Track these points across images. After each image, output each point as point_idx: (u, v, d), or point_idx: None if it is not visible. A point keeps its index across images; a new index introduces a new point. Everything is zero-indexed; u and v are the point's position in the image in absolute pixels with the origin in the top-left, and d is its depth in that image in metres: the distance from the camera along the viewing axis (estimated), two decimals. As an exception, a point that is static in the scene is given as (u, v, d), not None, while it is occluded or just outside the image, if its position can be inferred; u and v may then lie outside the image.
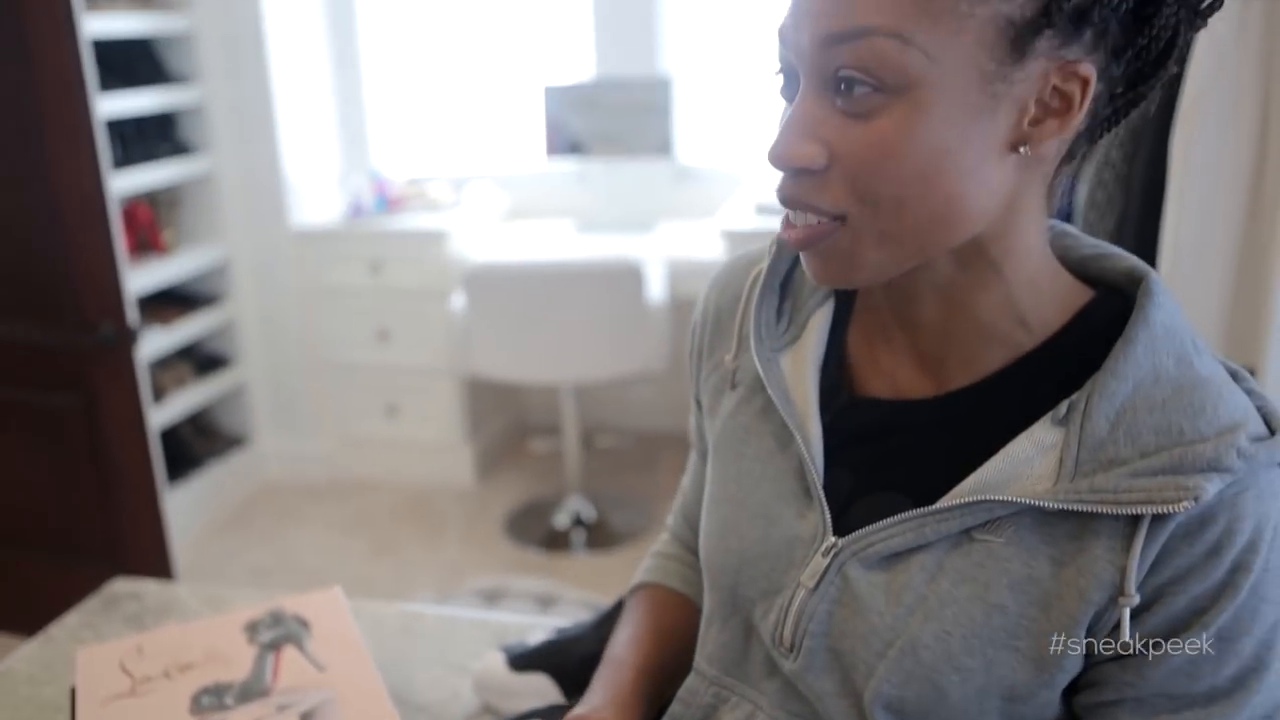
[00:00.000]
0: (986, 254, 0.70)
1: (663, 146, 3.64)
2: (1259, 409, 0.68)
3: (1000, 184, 0.66)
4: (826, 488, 0.76)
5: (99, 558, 2.54)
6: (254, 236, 3.66)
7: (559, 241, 3.60)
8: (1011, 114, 0.64)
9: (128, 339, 2.36)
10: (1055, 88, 0.64)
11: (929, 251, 0.68)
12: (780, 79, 0.69)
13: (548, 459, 3.93)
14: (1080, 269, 0.75)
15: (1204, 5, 0.67)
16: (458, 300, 3.30)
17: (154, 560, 2.50)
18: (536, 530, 3.47)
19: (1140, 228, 1.76)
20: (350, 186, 3.72)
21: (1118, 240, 1.83)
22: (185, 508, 3.41)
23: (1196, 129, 1.56)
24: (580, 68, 3.83)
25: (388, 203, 3.72)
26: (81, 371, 2.42)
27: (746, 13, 3.70)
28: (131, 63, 3.30)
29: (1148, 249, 1.71)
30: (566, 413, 3.41)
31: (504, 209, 3.94)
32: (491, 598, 3.05)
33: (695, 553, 1.00)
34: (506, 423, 4.09)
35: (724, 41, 3.76)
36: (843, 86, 0.64)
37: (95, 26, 2.94)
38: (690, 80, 3.77)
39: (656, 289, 3.20)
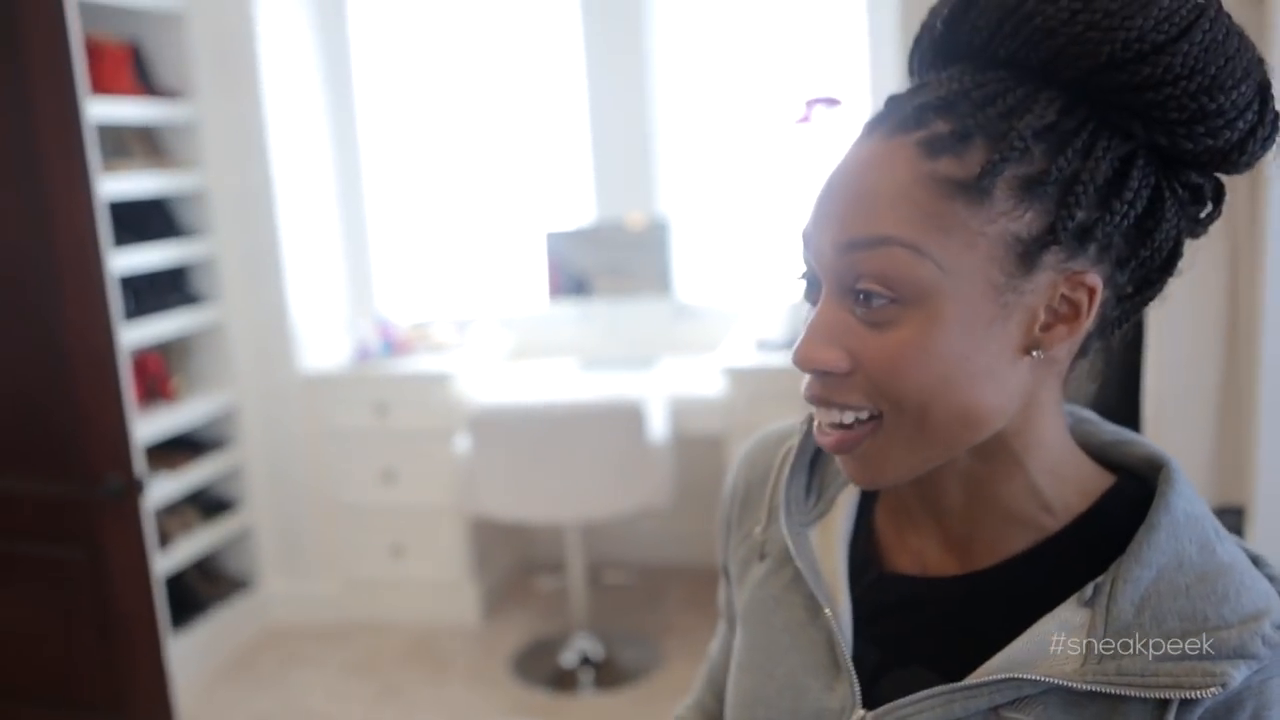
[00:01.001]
0: (1008, 447, 0.72)
1: (662, 285, 3.73)
2: None
3: (1017, 385, 0.69)
4: (855, 661, 0.77)
5: (101, 709, 2.53)
6: (261, 382, 3.72)
7: (562, 380, 3.65)
8: (1023, 321, 0.67)
9: (135, 490, 2.39)
10: (1064, 296, 0.67)
11: (954, 450, 0.71)
12: (804, 282, 0.73)
13: (554, 596, 3.91)
14: (1101, 454, 0.78)
15: (1203, 216, 0.70)
16: (462, 441, 3.33)
17: (156, 712, 2.48)
18: (544, 669, 3.44)
19: (1124, 369, 1.80)
20: (356, 331, 3.80)
21: (1105, 381, 1.87)
22: (189, 653, 3.39)
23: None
24: (581, 211, 3.94)
25: (393, 346, 3.79)
26: (88, 523, 2.44)
27: (739, 155, 3.83)
28: (145, 218, 3.41)
29: (1133, 390, 1.75)
30: (572, 550, 3.41)
31: (508, 349, 4.01)
32: (497, 743, 3.01)
33: None
34: (512, 560, 4.09)
35: (718, 183, 3.88)
36: (861, 297, 0.67)
37: (111, 187, 3.06)
38: (687, 221, 3.88)
39: (658, 426, 3.24)
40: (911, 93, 0.69)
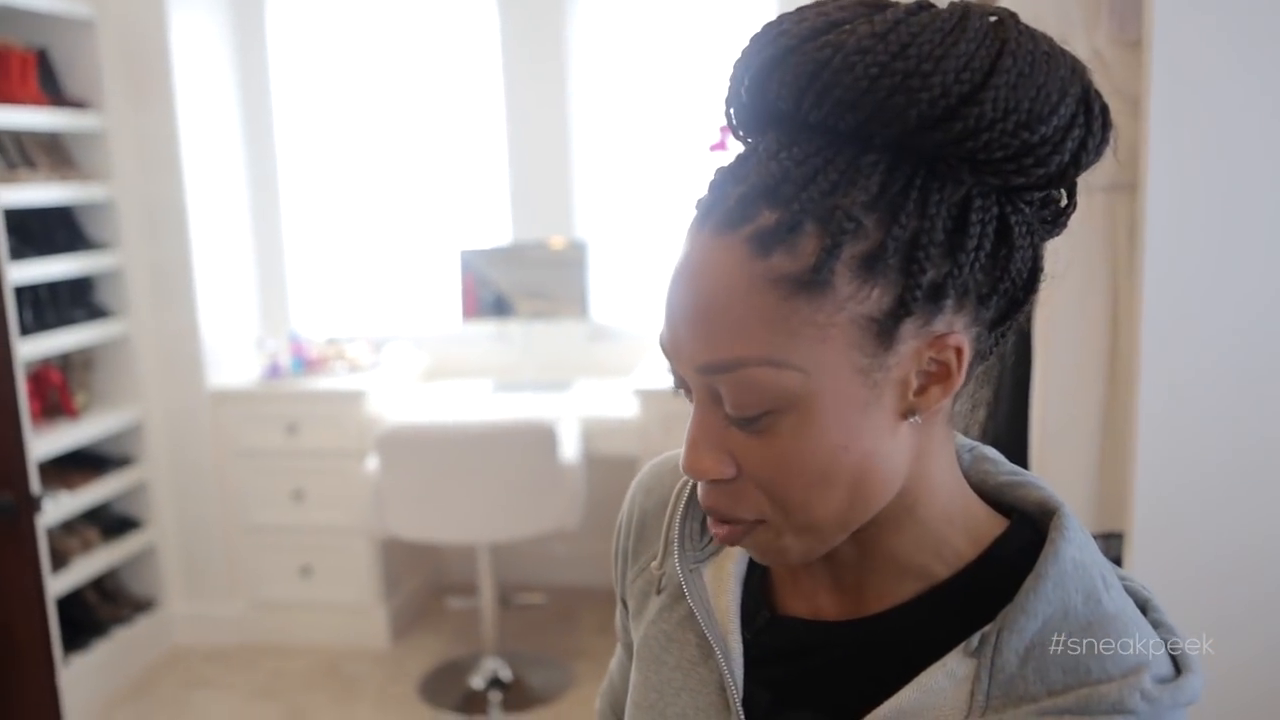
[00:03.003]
0: (900, 501, 0.71)
1: (579, 307, 3.74)
2: (1169, 645, 0.70)
3: (902, 452, 0.68)
4: (746, 703, 0.76)
5: (-12, 737, 2.45)
6: (169, 398, 3.65)
7: (476, 401, 3.64)
8: (896, 393, 0.66)
9: (29, 509, 2.32)
10: (932, 359, 0.65)
11: (851, 527, 0.70)
12: (678, 388, 0.71)
13: (465, 617, 3.88)
14: (996, 496, 0.76)
15: (1060, 213, 0.68)
16: (373, 461, 3.30)
17: (47, 739, 2.41)
18: (453, 692, 3.41)
19: (1013, 397, 1.85)
20: (268, 347, 3.75)
21: (994, 409, 1.92)
22: (87, 675, 3.30)
23: (1054, 308, 1.66)
24: (497, 232, 3.94)
25: (305, 363, 3.75)
26: (-22, 543, 2.37)
27: (655, 179, 3.86)
28: (50, 229, 3.34)
29: (1021, 418, 1.80)
30: (482, 571, 3.40)
31: (422, 369, 3.99)
32: (402, 767, 2.97)
33: None
34: (423, 582, 4.05)
35: (635, 206, 3.91)
36: (729, 409, 0.66)
37: (13, 196, 2.99)
38: (604, 244, 3.90)
39: (571, 447, 3.24)
40: (731, 172, 0.66)
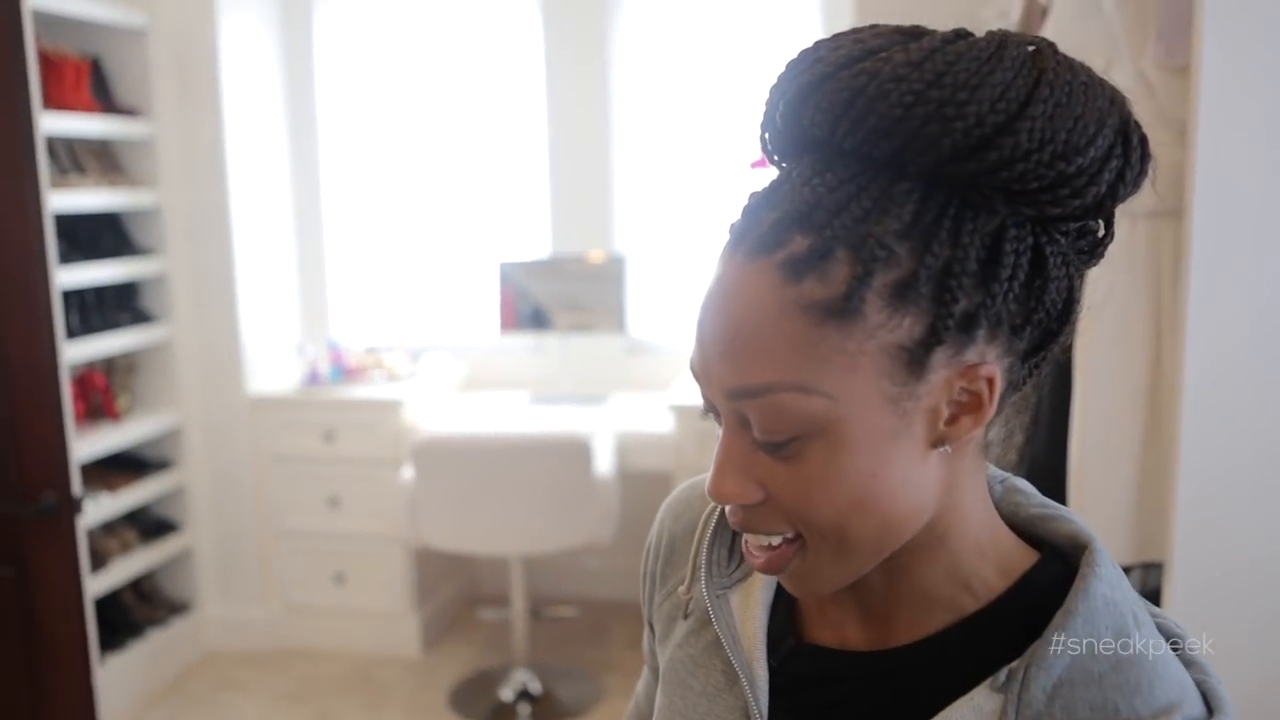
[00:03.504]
0: (932, 531, 0.70)
1: (616, 321, 3.75)
2: (1199, 684, 0.69)
3: (933, 480, 0.68)
4: None
5: (25, 734, 2.48)
6: (209, 403, 3.69)
7: (512, 413, 3.65)
8: (926, 422, 0.65)
9: (70, 509, 2.35)
10: (963, 388, 0.65)
11: (884, 554, 0.69)
12: (709, 414, 0.71)
13: (496, 628, 3.89)
14: (1027, 528, 0.76)
15: (1097, 244, 0.67)
16: (409, 470, 3.32)
17: (82, 736, 2.44)
18: (482, 703, 3.41)
19: (1052, 423, 1.84)
20: (307, 355, 3.79)
21: (1032, 434, 1.90)
22: (122, 676, 3.34)
23: (1095, 335, 1.65)
24: (537, 245, 3.96)
25: (344, 372, 3.78)
26: (19, 541, 2.40)
27: (695, 195, 3.87)
28: (97, 234, 3.39)
29: (1060, 444, 1.78)
30: (515, 583, 3.40)
31: (459, 380, 4.01)
32: (430, 777, 2.98)
33: None
34: (455, 592, 4.07)
35: (675, 222, 3.91)
36: (758, 434, 0.65)
37: (61, 202, 3.04)
38: (643, 258, 3.90)
39: (605, 462, 3.25)
40: (766, 197, 0.66)
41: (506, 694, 3.41)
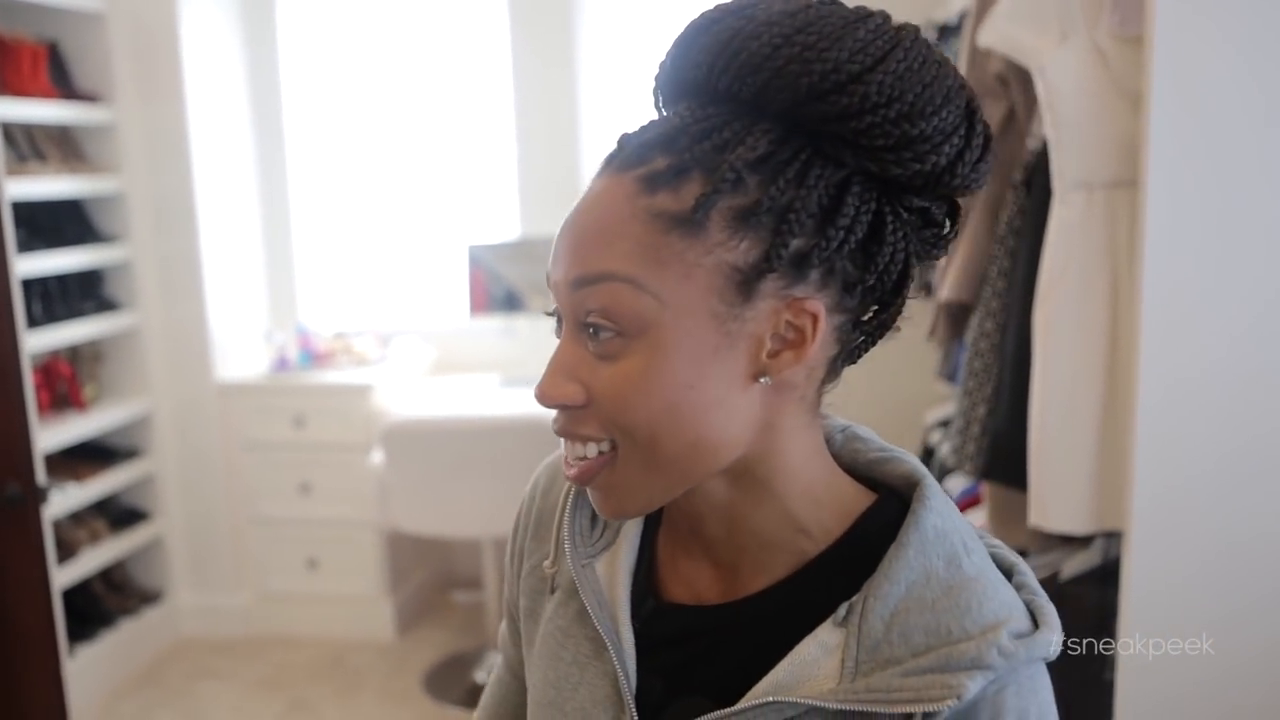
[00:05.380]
0: (754, 473, 0.74)
1: (585, 302, 3.73)
2: (1028, 603, 0.72)
3: (749, 411, 0.71)
4: (640, 693, 0.78)
5: (-7, 726, 2.47)
6: (177, 390, 3.67)
7: (482, 396, 3.64)
8: (748, 349, 0.69)
9: (35, 500, 2.34)
10: (788, 322, 0.69)
11: (693, 477, 0.73)
12: (555, 319, 0.76)
13: (470, 611, 3.89)
14: (866, 473, 0.80)
15: (938, 237, 0.73)
16: (379, 455, 3.31)
17: (52, 727, 2.43)
18: (457, 686, 3.42)
19: (1013, 394, 1.85)
20: (275, 341, 3.76)
21: (994, 406, 1.92)
22: (93, 666, 3.32)
23: (1053, 307, 1.66)
24: (506, 227, 3.95)
25: (313, 357, 3.76)
26: (-16, 533, 2.39)
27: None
28: (59, 223, 3.36)
29: (1021, 415, 1.80)
30: (488, 565, 3.40)
31: (429, 364, 3.99)
32: (405, 760, 2.98)
33: None
34: (428, 575, 4.06)
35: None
36: (591, 331, 0.70)
37: (20, 189, 3.00)
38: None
39: (575, 443, 3.24)
40: (640, 130, 0.72)
41: (481, 676, 3.41)
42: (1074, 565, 1.89)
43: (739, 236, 0.67)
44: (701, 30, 0.70)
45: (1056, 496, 1.68)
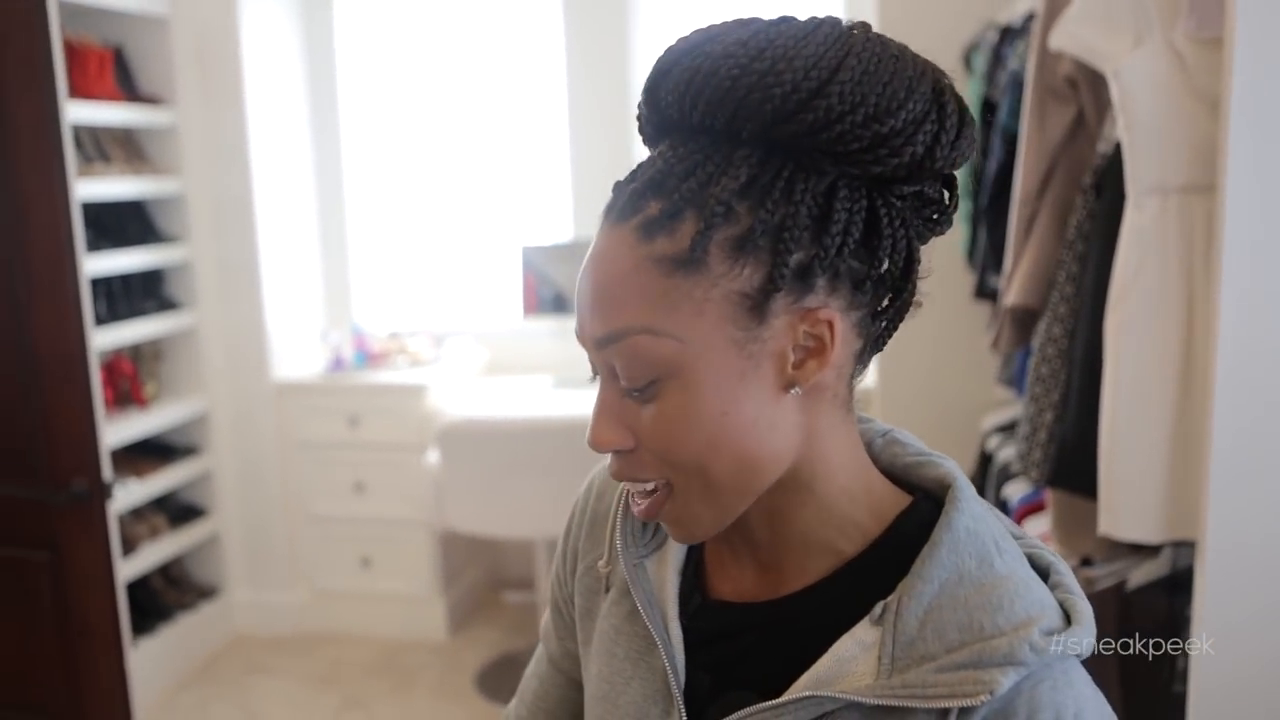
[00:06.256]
0: (798, 477, 0.76)
1: (638, 304, 3.74)
2: (1062, 602, 0.74)
3: (788, 423, 0.74)
4: (689, 688, 0.81)
5: (59, 715, 2.51)
6: (234, 389, 3.72)
7: (536, 397, 3.66)
8: (774, 365, 0.72)
9: (101, 495, 2.38)
10: (806, 332, 0.71)
11: (750, 496, 0.76)
12: (592, 368, 0.78)
13: (522, 612, 3.91)
14: (903, 476, 0.82)
15: (938, 219, 0.75)
16: (433, 454, 3.33)
17: (115, 718, 2.47)
18: (510, 685, 3.40)
19: (1081, 400, 1.83)
20: (331, 341, 3.80)
21: (1062, 413, 1.89)
22: (152, 660, 3.37)
23: (1126, 313, 1.63)
24: (559, 229, 3.96)
25: (368, 357, 3.79)
26: (51, 527, 2.43)
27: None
28: (122, 222, 3.41)
29: (1090, 422, 1.77)
30: (540, 566, 3.42)
31: (483, 365, 4.01)
32: (458, 758, 3.00)
33: None
34: (481, 575, 4.08)
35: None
36: (624, 381, 0.73)
37: (88, 190, 3.05)
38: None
39: (629, 445, 3.25)
40: (630, 176, 0.74)
41: (533, 676, 3.42)
42: (1141, 574, 1.86)
43: (740, 264, 0.69)
44: (664, 74, 0.73)
45: (1127, 504, 1.66)
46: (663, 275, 0.70)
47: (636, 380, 0.72)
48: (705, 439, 0.72)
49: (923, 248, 0.76)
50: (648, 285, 0.70)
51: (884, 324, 0.77)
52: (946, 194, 0.75)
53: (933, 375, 3.12)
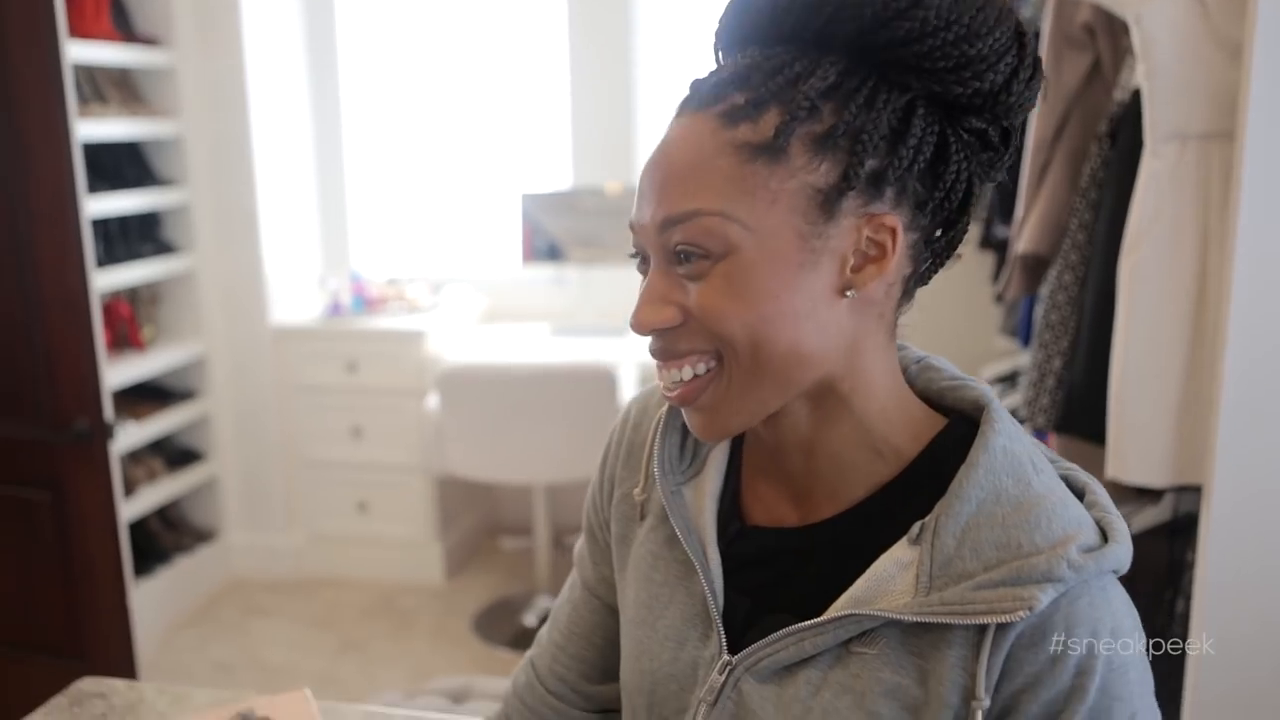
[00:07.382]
0: (836, 391, 0.78)
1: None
2: (1098, 520, 0.75)
3: (837, 326, 0.75)
4: (727, 611, 0.83)
5: (62, 653, 2.53)
6: (232, 333, 3.70)
7: (534, 344, 3.66)
8: (833, 264, 0.74)
9: (103, 435, 2.38)
10: (869, 238, 0.74)
11: (789, 389, 0.77)
12: (637, 260, 0.80)
13: (518, 557, 3.94)
14: (939, 399, 0.84)
15: (995, 160, 0.77)
16: (432, 400, 3.34)
17: (118, 657, 2.48)
18: (506, 629, 3.46)
19: (1091, 348, 1.84)
20: (329, 286, 3.79)
21: (1071, 359, 1.91)
22: (150, 602, 3.39)
23: (1140, 259, 1.64)
24: (558, 176, 3.94)
25: (366, 303, 3.78)
26: (53, 466, 2.43)
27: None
28: (119, 165, 3.38)
29: (1099, 368, 1.79)
30: (537, 512, 3.44)
31: (481, 311, 4.01)
32: (458, 698, 3.02)
33: (555, 698, 1.01)
34: (477, 521, 4.11)
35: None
36: (681, 257, 0.75)
37: (86, 130, 3.02)
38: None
39: (629, 393, 3.26)
40: (712, 74, 0.77)
41: (530, 620, 3.46)
42: (1144, 519, 1.89)
43: (819, 159, 0.72)
44: None
45: (1136, 449, 1.68)
46: (742, 160, 0.72)
47: (694, 253, 0.73)
48: (757, 314, 0.73)
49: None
50: (726, 168, 0.72)
51: (929, 261, 0.80)
52: (1003, 145, 0.77)
53: (933, 325, 3.13)
